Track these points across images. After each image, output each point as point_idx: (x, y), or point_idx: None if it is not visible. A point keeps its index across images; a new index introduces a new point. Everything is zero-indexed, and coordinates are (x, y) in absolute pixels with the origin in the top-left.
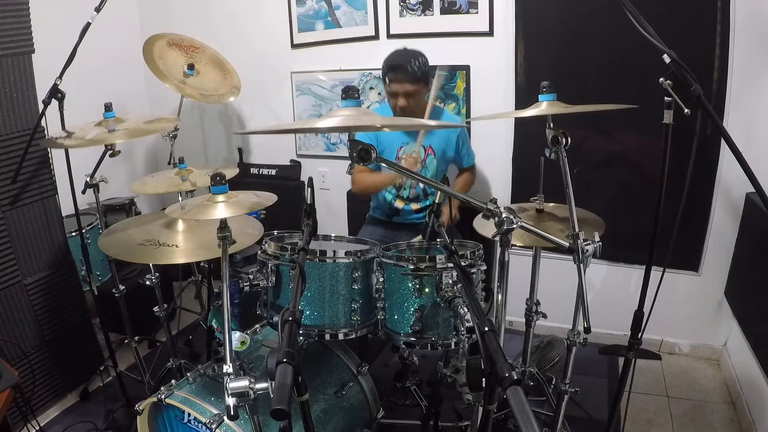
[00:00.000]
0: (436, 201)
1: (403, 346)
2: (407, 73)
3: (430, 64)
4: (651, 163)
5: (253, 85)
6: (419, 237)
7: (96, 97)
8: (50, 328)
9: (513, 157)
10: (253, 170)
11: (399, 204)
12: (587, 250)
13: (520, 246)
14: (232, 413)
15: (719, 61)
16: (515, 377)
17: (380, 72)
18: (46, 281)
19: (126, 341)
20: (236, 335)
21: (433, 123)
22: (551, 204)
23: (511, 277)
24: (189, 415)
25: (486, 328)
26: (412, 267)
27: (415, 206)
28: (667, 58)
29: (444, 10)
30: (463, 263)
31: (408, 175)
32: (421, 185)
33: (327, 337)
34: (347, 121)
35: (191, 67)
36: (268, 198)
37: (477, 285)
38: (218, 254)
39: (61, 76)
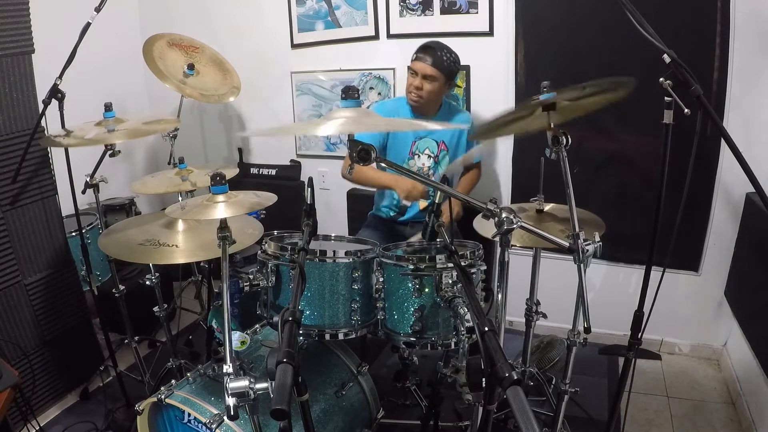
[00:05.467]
0: (436, 201)
1: (403, 346)
2: (433, 56)
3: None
4: (651, 163)
5: (253, 85)
6: (418, 236)
7: (96, 97)
8: (50, 328)
9: (513, 157)
10: (253, 170)
11: (407, 201)
12: (587, 250)
13: (520, 246)
14: (232, 413)
15: (719, 61)
16: (515, 377)
17: (381, 71)
18: (46, 281)
19: (126, 341)
20: (236, 335)
21: (437, 126)
22: (551, 204)
23: (511, 277)
24: (189, 415)
25: (486, 328)
26: (412, 267)
27: (422, 204)
28: (667, 58)
29: (444, 10)
30: (463, 263)
31: (408, 176)
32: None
33: (327, 337)
34: (349, 124)
35: (191, 67)
36: (268, 198)
37: (477, 285)
38: (218, 254)
39: (61, 76)
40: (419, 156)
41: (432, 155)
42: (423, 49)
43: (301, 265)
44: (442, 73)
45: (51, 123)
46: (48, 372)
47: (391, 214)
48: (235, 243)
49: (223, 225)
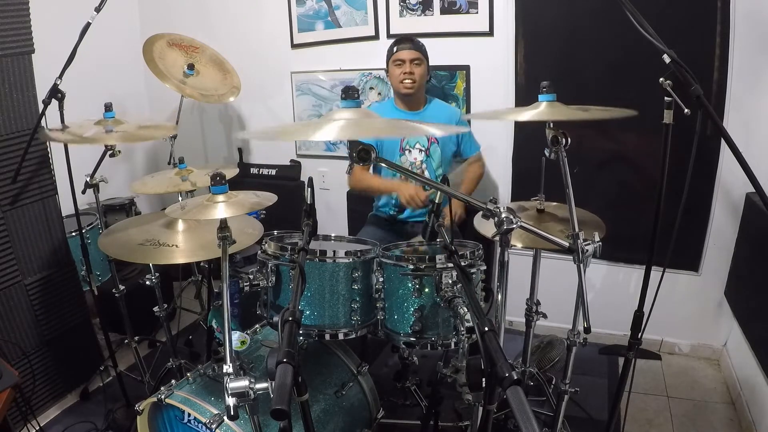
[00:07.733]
0: (436, 201)
1: (403, 346)
2: (411, 42)
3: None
4: (651, 163)
5: (253, 85)
6: (419, 238)
7: (96, 97)
8: (50, 328)
9: (513, 157)
10: (253, 170)
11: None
12: (587, 250)
13: (520, 246)
14: (232, 413)
15: (719, 61)
16: (515, 377)
17: (381, 71)
18: (46, 281)
19: (126, 341)
20: (236, 335)
21: (437, 133)
22: (552, 204)
23: (511, 277)
24: (189, 415)
25: (486, 328)
26: (411, 267)
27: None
28: (667, 58)
29: (444, 10)
30: (462, 263)
31: (408, 175)
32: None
33: (327, 337)
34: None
35: (191, 67)
36: (268, 198)
37: (477, 285)
38: (218, 254)
39: (61, 76)
40: (410, 151)
41: (423, 149)
42: (400, 41)
43: (301, 265)
44: (423, 56)
45: (51, 123)
46: (48, 372)
47: (391, 212)
48: (235, 243)
49: (223, 225)
